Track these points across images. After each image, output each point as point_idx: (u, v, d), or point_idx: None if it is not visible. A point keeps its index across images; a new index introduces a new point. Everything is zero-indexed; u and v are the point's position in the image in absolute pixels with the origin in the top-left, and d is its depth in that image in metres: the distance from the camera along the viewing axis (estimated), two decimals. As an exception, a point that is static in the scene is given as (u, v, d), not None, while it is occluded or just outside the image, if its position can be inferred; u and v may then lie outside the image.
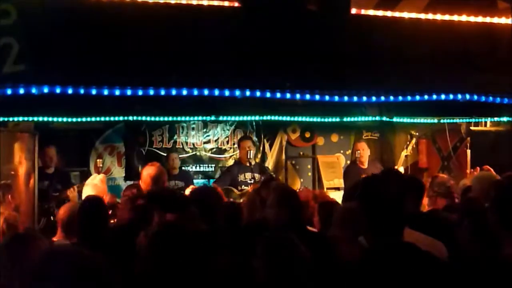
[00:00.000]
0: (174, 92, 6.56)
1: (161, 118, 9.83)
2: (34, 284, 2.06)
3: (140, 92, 6.50)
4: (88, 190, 6.57)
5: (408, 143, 9.29)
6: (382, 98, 7.42)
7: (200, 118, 10.16)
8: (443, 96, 7.27)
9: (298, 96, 7.20)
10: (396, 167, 10.58)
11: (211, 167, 10.88)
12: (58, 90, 6.18)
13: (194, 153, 10.79)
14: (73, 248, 2.90)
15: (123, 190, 6.20)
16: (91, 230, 4.75)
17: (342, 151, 11.41)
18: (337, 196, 8.38)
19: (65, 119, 8.99)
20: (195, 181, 10.11)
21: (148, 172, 6.02)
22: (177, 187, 9.17)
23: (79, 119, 9.11)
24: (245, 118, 9.86)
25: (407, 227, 3.16)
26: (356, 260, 2.93)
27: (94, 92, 6.35)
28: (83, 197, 6.37)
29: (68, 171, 9.51)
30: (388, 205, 2.95)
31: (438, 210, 5.46)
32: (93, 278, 2.08)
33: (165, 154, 10.35)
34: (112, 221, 6.49)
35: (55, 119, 8.81)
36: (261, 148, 11.05)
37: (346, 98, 7.42)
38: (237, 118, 10.18)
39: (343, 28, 6.77)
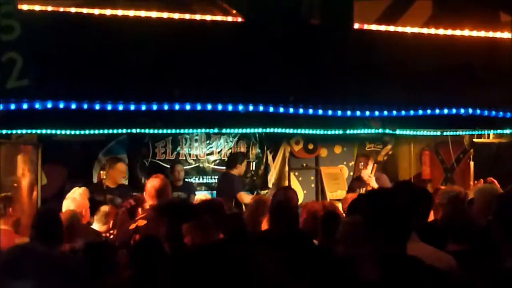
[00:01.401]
0: (177, 107, 6.62)
1: (164, 131, 9.87)
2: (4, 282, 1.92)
3: (143, 107, 6.56)
4: (67, 203, 6.57)
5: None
6: (385, 112, 7.47)
7: (203, 130, 10.20)
8: (445, 111, 7.31)
9: (301, 110, 7.26)
10: (399, 179, 10.81)
11: (214, 178, 10.85)
12: (61, 105, 6.25)
13: (197, 164, 10.80)
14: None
15: (122, 202, 6.40)
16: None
17: (345, 163, 11.43)
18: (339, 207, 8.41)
19: (68, 132, 9.07)
20: (197, 192, 10.24)
21: (152, 184, 5.93)
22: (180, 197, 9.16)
23: (82, 132, 9.18)
24: (248, 130, 9.93)
25: (415, 239, 3.14)
26: (377, 279, 2.81)
27: (97, 107, 6.41)
28: (63, 210, 6.41)
29: (127, 186, 9.57)
30: (393, 218, 2.92)
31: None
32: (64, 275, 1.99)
33: (168, 166, 10.39)
34: (111, 232, 6.56)
35: (58, 131, 8.89)
36: (264, 160, 11.08)
37: (349, 112, 7.48)
38: (240, 131, 10.19)
39: (346, 42, 6.82)
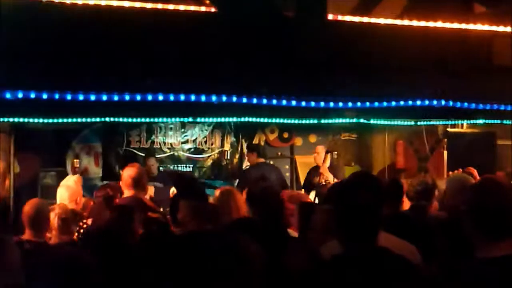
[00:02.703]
0: (150, 97, 6.59)
1: (139, 119, 9.79)
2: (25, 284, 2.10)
3: (115, 98, 6.52)
4: (62, 191, 6.45)
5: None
6: (358, 104, 7.45)
7: (177, 119, 10.15)
8: (418, 102, 7.34)
9: (274, 101, 7.23)
10: (373, 168, 10.82)
11: (189, 167, 10.81)
12: (32, 95, 6.18)
13: (172, 153, 10.63)
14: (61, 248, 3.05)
15: (96, 191, 6.14)
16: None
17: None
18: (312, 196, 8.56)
19: (41, 120, 8.87)
20: None
21: (128, 173, 5.78)
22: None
23: (55, 120, 9.01)
24: (222, 119, 9.88)
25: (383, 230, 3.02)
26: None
27: (69, 97, 6.36)
28: (57, 198, 6.33)
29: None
30: (361, 211, 2.85)
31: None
32: (82, 277, 2.19)
33: (143, 154, 10.30)
34: (86, 221, 6.35)
35: (31, 120, 8.73)
36: (239, 149, 10.93)
37: (322, 103, 7.45)
38: (215, 120, 10.11)
39: (320, 33, 6.83)
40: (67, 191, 6.36)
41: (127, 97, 6.48)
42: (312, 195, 8.31)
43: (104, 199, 5.80)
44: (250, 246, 2.14)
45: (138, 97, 6.49)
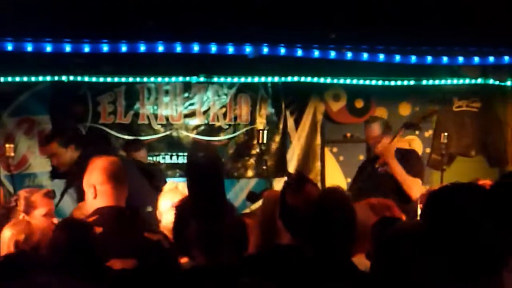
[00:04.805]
0: (143, 47, 6.70)
1: (113, 78, 9.25)
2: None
3: (86, 48, 6.67)
4: None
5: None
6: (491, 58, 7.52)
7: (180, 78, 9.57)
8: None
9: (349, 54, 7.23)
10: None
11: (196, 156, 9.72)
12: None
13: (168, 132, 10.09)
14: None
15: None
16: None
17: (417, 132, 10.47)
18: None
19: None
20: (170, 180, 9.20)
21: (101, 166, 5.01)
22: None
23: None
24: (254, 80, 9.52)
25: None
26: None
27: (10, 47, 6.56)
28: None
29: None
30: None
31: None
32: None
33: (121, 136, 9.72)
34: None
35: None
36: (280, 127, 10.39)
37: (430, 58, 7.45)
38: (241, 80, 9.87)
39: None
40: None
41: (105, 48, 6.81)
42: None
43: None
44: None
45: (124, 48, 6.76)
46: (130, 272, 4.44)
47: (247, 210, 8.82)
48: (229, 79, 9.81)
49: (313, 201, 4.51)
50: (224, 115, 10.20)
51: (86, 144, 9.24)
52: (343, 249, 4.32)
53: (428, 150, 10.55)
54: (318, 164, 10.36)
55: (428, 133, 10.67)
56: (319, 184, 9.45)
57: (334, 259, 4.14)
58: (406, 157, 7.36)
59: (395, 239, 3.69)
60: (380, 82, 9.41)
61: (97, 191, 4.93)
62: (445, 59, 7.50)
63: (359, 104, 10.42)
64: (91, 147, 8.48)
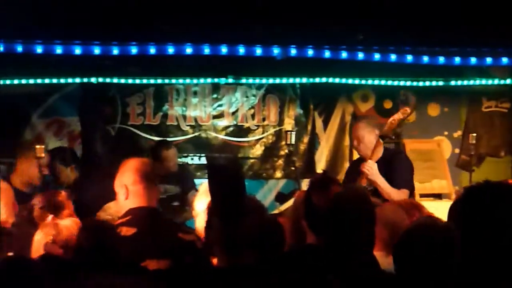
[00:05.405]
0: (171, 49, 6.71)
1: (142, 80, 9.33)
2: None
3: (115, 50, 6.70)
4: None
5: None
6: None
7: (208, 80, 9.61)
8: None
9: (377, 56, 7.24)
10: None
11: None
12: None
13: (197, 133, 10.03)
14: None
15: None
16: None
17: (446, 133, 10.58)
18: (436, 209, 7.21)
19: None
20: (199, 182, 9.04)
21: (133, 166, 5.00)
22: (168, 195, 8.58)
23: (5, 82, 8.68)
24: (282, 81, 9.52)
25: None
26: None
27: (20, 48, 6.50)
28: None
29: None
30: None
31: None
32: None
33: (148, 137, 9.71)
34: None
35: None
36: (309, 127, 10.36)
37: (458, 59, 7.43)
38: (269, 81, 9.84)
39: None
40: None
41: (134, 50, 6.85)
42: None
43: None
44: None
45: (153, 50, 6.83)
46: (165, 273, 4.44)
47: (275, 211, 8.81)
48: (257, 80, 9.76)
49: (331, 200, 4.51)
50: (253, 116, 10.20)
51: (114, 145, 9.65)
52: (361, 248, 4.28)
53: (457, 150, 10.47)
54: (347, 165, 10.10)
55: (457, 134, 10.56)
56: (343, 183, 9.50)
57: (356, 259, 4.08)
58: (394, 162, 6.96)
59: (423, 237, 3.65)
60: (408, 83, 9.34)
61: (129, 192, 4.91)
62: (473, 59, 7.46)
63: (388, 104, 10.35)
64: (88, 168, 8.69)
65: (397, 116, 7.18)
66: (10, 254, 4.90)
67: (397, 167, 6.96)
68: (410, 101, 8.50)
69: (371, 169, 6.86)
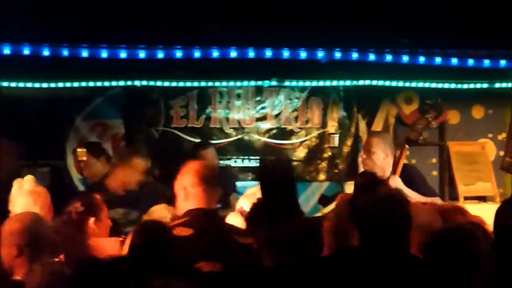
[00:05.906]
0: (216, 53, 6.74)
1: (185, 82, 9.32)
2: None
3: (160, 54, 6.73)
4: (21, 202, 5.75)
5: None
6: None
7: (252, 83, 9.60)
8: None
9: (422, 58, 7.20)
10: None
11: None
12: (7, 50, 6.32)
13: (240, 136, 10.15)
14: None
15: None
16: None
17: (491, 135, 10.49)
18: (481, 212, 7.30)
19: (27, 85, 8.64)
20: (241, 184, 9.29)
21: (194, 169, 5.10)
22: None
23: (48, 85, 8.69)
24: (325, 83, 9.47)
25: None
26: None
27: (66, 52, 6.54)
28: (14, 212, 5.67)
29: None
30: None
31: None
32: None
33: (191, 139, 9.75)
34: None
35: (9, 84, 8.48)
36: (352, 130, 10.36)
37: (503, 62, 7.41)
38: (312, 84, 9.79)
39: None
40: (30, 199, 5.72)
41: (178, 54, 6.85)
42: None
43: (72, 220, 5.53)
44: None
45: (198, 54, 6.81)
46: (218, 275, 4.51)
47: (319, 214, 8.81)
48: (300, 83, 9.75)
49: (369, 204, 4.50)
50: (296, 118, 10.22)
51: (158, 148, 9.71)
52: (398, 251, 4.25)
53: (501, 153, 10.31)
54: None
55: (502, 136, 10.46)
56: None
57: (400, 261, 4.05)
58: (409, 177, 6.91)
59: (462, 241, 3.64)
60: (453, 85, 9.29)
61: (188, 193, 4.96)
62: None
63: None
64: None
65: (424, 121, 7.31)
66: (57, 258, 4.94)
67: (415, 179, 6.96)
68: (437, 107, 8.51)
69: (400, 183, 6.86)
